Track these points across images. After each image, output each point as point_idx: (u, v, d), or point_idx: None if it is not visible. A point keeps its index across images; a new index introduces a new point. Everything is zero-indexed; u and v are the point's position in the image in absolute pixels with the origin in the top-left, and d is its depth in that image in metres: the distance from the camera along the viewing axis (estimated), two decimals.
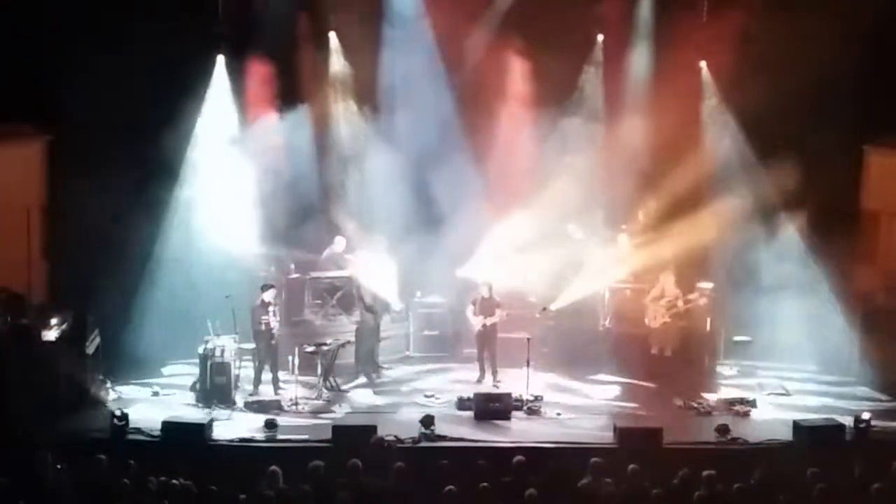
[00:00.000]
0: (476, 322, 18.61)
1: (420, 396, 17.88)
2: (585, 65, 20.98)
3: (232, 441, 15.76)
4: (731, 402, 17.43)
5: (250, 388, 17.95)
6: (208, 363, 17.33)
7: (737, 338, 19.20)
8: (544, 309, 19.19)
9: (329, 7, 20.25)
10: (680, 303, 18.70)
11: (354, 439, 14.95)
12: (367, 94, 20.62)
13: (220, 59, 19.95)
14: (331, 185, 20.50)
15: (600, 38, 20.96)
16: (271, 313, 17.86)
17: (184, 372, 18.54)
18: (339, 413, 17.21)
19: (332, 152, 20.69)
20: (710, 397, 17.80)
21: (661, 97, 19.98)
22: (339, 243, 20.35)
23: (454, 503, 12.51)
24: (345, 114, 20.75)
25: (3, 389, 15.95)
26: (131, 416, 15.81)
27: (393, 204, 20.01)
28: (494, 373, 18.60)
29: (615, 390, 18.40)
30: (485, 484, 12.83)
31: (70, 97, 18.29)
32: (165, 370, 18.98)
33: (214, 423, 15.99)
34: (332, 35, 20.65)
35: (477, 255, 19.88)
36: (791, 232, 19.46)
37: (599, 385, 18.63)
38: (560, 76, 20.41)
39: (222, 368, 17.34)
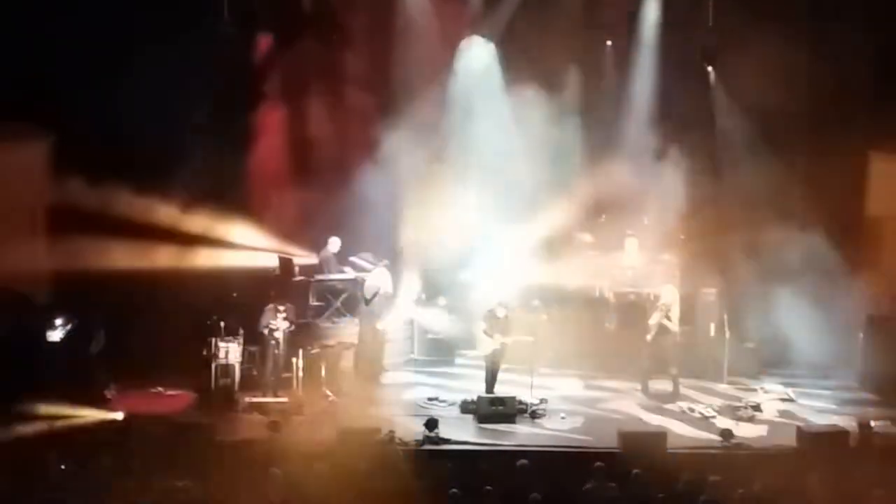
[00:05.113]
0: (490, 343, 17.72)
1: (424, 399, 17.87)
2: (591, 68, 21.00)
3: (236, 443, 15.75)
4: (735, 407, 17.44)
5: (255, 389, 17.94)
6: (213, 364, 17.32)
7: (744, 344, 19.17)
8: (549, 312, 19.15)
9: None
10: (667, 316, 18.45)
11: (360, 442, 14.94)
12: (373, 92, 20.62)
13: (224, 61, 19.99)
14: (334, 184, 20.47)
15: (608, 43, 20.98)
16: (280, 318, 17.78)
17: (190, 372, 18.54)
18: (346, 416, 17.20)
19: (338, 151, 20.70)
20: (715, 402, 17.81)
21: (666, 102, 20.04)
22: (333, 244, 20.28)
23: None
24: (350, 112, 20.73)
25: (8, 389, 15.97)
26: (136, 417, 15.82)
27: (399, 205, 20.03)
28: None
29: (619, 394, 18.37)
30: (488, 487, 12.85)
31: (73, 97, 18.34)
32: (170, 371, 18.98)
33: (220, 424, 15.97)
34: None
35: (482, 258, 19.89)
36: (796, 238, 19.47)
37: (604, 389, 18.62)
38: (566, 80, 20.42)
39: (227, 370, 17.35)
